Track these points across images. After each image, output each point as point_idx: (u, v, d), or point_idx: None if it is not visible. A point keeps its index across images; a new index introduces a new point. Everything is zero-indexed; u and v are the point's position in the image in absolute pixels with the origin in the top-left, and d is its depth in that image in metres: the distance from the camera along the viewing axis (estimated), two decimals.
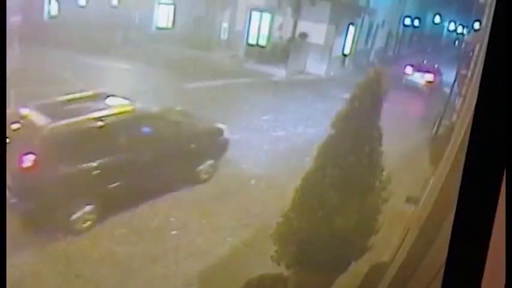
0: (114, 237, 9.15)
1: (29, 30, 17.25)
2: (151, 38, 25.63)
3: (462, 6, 38.02)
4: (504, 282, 2.13)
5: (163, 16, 28.01)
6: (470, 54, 16.65)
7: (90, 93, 11.35)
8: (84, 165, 9.54)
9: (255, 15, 28.58)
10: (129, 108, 10.82)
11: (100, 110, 10.22)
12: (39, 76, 16.35)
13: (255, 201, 11.15)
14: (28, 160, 8.94)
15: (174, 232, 9.62)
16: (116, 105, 10.75)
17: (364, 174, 6.89)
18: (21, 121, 9.49)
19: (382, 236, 7.47)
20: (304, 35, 27.33)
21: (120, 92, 11.73)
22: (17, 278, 7.59)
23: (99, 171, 9.69)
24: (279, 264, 7.31)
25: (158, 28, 27.90)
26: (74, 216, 9.46)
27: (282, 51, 27.15)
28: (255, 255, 8.86)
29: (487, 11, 12.19)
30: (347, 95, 7.01)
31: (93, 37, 20.68)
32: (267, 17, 28.35)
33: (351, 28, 30.58)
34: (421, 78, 29.61)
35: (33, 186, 9.12)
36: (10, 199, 8.60)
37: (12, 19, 16.80)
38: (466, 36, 34.07)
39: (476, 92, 2.31)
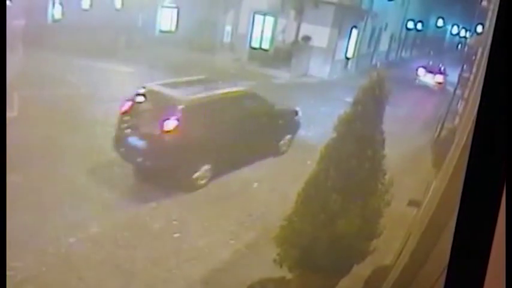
0: (116, 240, 9.12)
1: (33, 34, 17.32)
2: (154, 41, 25.66)
3: (465, 9, 38.09)
4: (505, 285, 2.12)
5: (166, 19, 28.05)
6: (473, 57, 16.64)
7: (201, 77, 14.60)
8: (207, 131, 11.64)
9: (258, 18, 28.60)
10: (241, 89, 14.00)
11: (219, 89, 13.06)
12: (43, 79, 16.39)
13: (258, 204, 11.14)
14: (170, 124, 10.98)
15: (176, 235, 9.59)
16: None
17: (367, 178, 6.90)
18: (148, 96, 11.77)
19: (384, 239, 7.47)
20: (307, 38, 27.33)
21: (123, 94, 11.93)
22: (18, 281, 7.57)
23: (217, 137, 11.77)
24: (281, 267, 7.31)
25: (161, 31, 27.93)
26: (196, 174, 11.67)
27: (285, 54, 27.16)
28: (258, 258, 8.82)
29: (489, 14, 12.17)
30: (350, 98, 7.02)
31: (96, 40, 20.73)
32: (270, 20, 28.35)
33: (354, 31, 30.57)
34: (432, 79, 31.55)
35: (169, 146, 11.16)
36: (137, 158, 11.58)
37: (17, 22, 16.85)
38: (468, 40, 34.35)
39: (479, 95, 2.30)
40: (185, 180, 11.52)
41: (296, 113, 15.11)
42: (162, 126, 10.97)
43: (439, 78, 31.36)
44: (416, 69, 32.72)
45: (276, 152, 14.18)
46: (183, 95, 11.76)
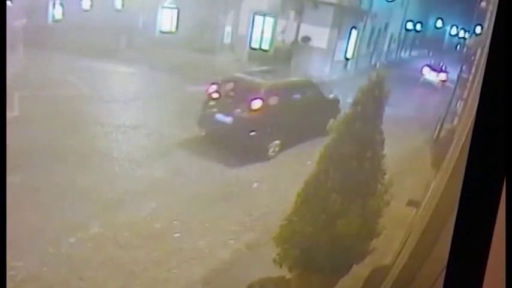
0: (117, 241, 9.14)
1: (34, 34, 17.32)
2: (154, 42, 25.67)
3: (464, 10, 38.15)
4: (505, 285, 2.14)
5: (166, 20, 28.05)
6: (472, 58, 16.65)
7: (269, 67, 18.94)
8: (280, 111, 14.22)
9: (258, 19, 28.60)
10: (303, 78, 17.61)
11: (286, 77, 17.74)
12: (44, 79, 16.41)
13: (258, 205, 11.16)
14: (257, 104, 13.61)
15: (177, 235, 9.62)
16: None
17: (366, 178, 6.93)
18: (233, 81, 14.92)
19: (384, 239, 7.50)
20: (306, 39, 27.34)
21: (124, 95, 11.99)
22: (19, 281, 7.60)
23: (286, 117, 14.20)
24: (281, 267, 7.33)
25: (162, 32, 27.94)
26: (269, 146, 14.11)
27: (285, 55, 27.17)
28: (258, 258, 8.83)
29: (488, 15, 12.18)
30: (349, 99, 7.04)
31: (97, 41, 20.75)
32: (269, 21, 28.36)
33: (354, 32, 30.57)
34: (436, 77, 32.74)
35: (253, 122, 13.66)
36: (224, 132, 14.09)
37: (17, 23, 16.87)
38: (467, 41, 34.78)
39: (478, 96, 2.32)
40: (261, 151, 13.90)
41: (338, 101, 17.16)
42: (250, 104, 13.63)
43: (443, 76, 32.20)
44: (421, 68, 33.56)
45: (324, 134, 14.55)
46: (263, 81, 14.85)
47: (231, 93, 14.62)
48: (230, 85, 14.75)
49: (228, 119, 14.03)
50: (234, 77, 15.20)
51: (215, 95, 14.43)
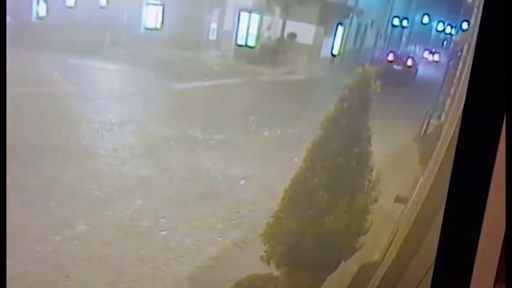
0: (104, 238, 9.14)
1: (18, 31, 17.20)
2: (139, 39, 25.59)
3: (450, 6, 38.42)
4: (493, 282, 2.15)
5: (151, 17, 27.94)
6: (459, 54, 16.76)
7: None
8: None
9: (244, 15, 28.57)
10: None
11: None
12: (28, 76, 16.31)
13: (245, 202, 11.16)
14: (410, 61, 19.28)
15: (163, 232, 9.62)
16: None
17: (354, 175, 6.98)
18: None
19: (372, 235, 7.54)
20: (292, 35, 27.36)
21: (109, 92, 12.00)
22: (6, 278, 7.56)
23: None
24: (268, 264, 7.37)
25: (147, 29, 27.85)
26: None
27: (271, 51, 27.20)
28: (245, 255, 8.88)
29: (475, 11, 12.23)
30: (336, 96, 7.07)
31: (81, 38, 20.60)
32: (255, 17, 28.34)
33: (340, 28, 30.65)
34: (432, 58, 35.57)
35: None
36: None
37: None
38: (454, 36, 35.55)
39: (465, 92, 2.33)
40: None
41: None
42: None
43: (436, 57, 34.74)
44: (423, 51, 36.17)
45: None
46: None
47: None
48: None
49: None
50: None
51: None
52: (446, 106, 15.36)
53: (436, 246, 2.39)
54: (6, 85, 2.79)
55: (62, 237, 8.93)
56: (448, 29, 46.88)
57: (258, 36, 28.91)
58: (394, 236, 7.06)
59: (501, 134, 2.11)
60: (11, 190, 8.82)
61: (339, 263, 7.47)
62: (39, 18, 23.63)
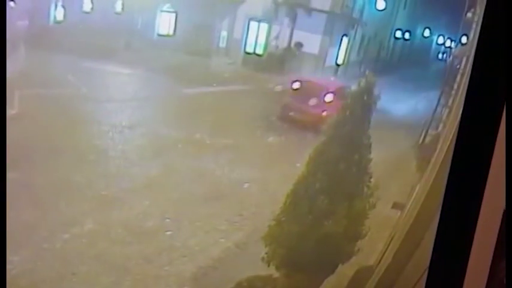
0: (111, 237, 9.28)
1: (35, 35, 17.40)
2: (152, 45, 25.72)
3: (450, 21, 38.38)
4: (485, 286, 2.27)
5: (164, 23, 28.07)
6: (457, 66, 16.87)
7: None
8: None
9: (253, 24, 28.74)
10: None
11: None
12: (44, 78, 16.47)
13: (248, 205, 11.33)
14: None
15: (168, 233, 9.77)
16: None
17: (353, 181, 7.12)
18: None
19: (369, 240, 7.68)
20: (299, 45, 27.50)
21: (121, 95, 12.08)
22: (14, 274, 7.70)
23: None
24: (268, 266, 7.50)
25: (160, 35, 27.98)
26: None
27: (278, 59, 27.35)
28: (247, 256, 9.03)
29: (473, 26, 12.34)
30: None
31: (96, 42, 20.76)
32: (264, 26, 28.49)
33: (345, 39, 30.75)
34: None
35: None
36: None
37: (19, 23, 16.97)
38: (453, 50, 35.26)
39: (462, 103, 2.42)
40: None
41: None
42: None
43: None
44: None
45: None
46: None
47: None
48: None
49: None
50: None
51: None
52: (444, 117, 15.49)
53: (431, 251, 2.45)
54: (6, 85, 2.87)
55: (69, 235, 9.09)
56: (447, 43, 46.72)
57: (266, 45, 29.02)
58: (391, 241, 7.18)
59: (496, 145, 2.20)
60: (22, 189, 9.05)
61: (337, 266, 7.59)
62: (57, 22, 23.82)
